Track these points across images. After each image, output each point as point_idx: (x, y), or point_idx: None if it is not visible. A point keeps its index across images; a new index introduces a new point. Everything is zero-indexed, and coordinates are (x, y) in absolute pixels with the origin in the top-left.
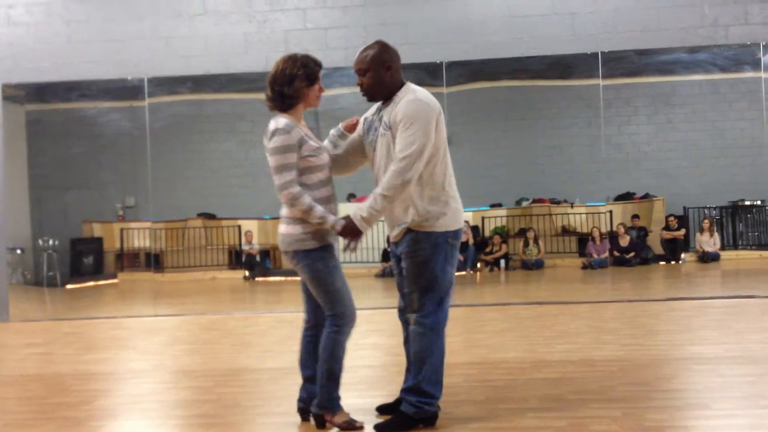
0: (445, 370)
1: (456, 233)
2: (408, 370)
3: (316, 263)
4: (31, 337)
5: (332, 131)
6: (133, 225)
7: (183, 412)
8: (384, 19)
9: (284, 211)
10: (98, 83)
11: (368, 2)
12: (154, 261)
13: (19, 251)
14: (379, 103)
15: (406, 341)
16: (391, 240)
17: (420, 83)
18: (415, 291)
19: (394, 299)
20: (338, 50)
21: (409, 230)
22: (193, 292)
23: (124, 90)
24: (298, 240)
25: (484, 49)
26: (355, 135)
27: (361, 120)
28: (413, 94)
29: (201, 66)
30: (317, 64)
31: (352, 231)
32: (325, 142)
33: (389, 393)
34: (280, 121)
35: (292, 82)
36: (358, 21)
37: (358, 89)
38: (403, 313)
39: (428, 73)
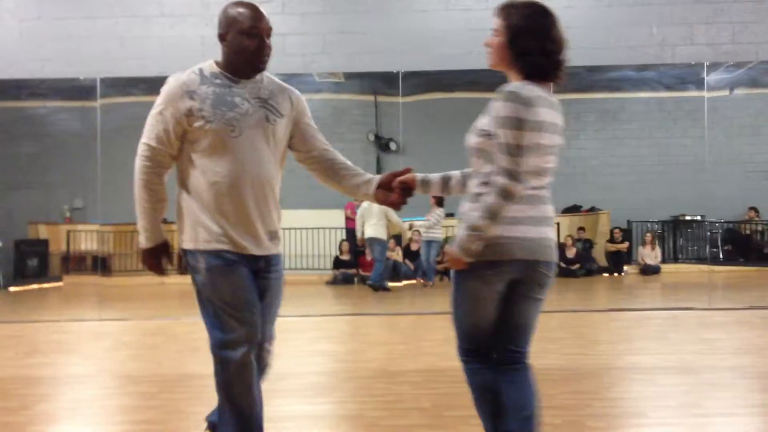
0: (390, 379)
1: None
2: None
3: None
4: None
5: None
6: (80, 227)
7: (126, 418)
8: (342, 28)
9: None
10: (49, 82)
11: (327, 10)
12: (101, 264)
13: None
14: (212, 74)
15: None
16: (261, 253)
17: (376, 92)
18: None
19: (344, 305)
20: (296, 57)
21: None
22: (140, 297)
23: (76, 90)
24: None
25: (440, 60)
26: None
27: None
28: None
29: (156, 68)
30: None
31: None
32: None
33: (336, 399)
34: None
35: None
36: (317, 28)
37: (319, 95)
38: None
39: (385, 82)
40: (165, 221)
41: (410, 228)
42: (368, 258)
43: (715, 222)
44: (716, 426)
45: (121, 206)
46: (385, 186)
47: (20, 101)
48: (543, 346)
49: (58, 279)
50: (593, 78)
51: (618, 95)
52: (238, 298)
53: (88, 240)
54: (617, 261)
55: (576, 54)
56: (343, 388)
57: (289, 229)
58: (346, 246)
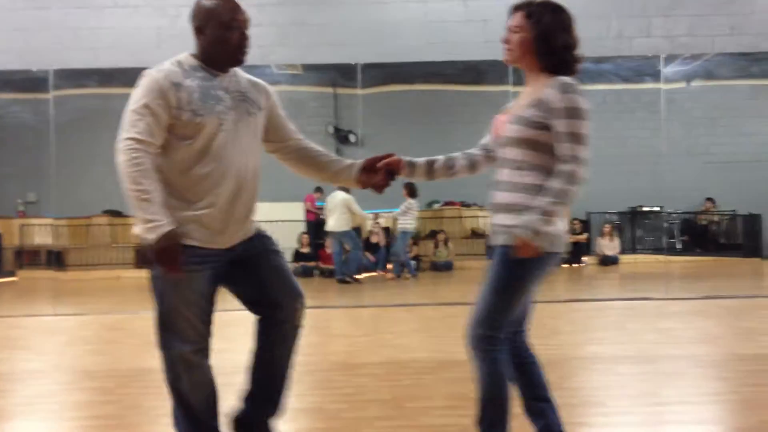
0: (350, 371)
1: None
2: None
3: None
4: None
5: None
6: (34, 221)
7: (81, 413)
8: (300, 19)
9: None
10: (0, 74)
11: (285, 1)
12: (56, 259)
13: None
14: (191, 66)
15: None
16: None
17: (335, 84)
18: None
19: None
20: (252, 48)
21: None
22: (96, 291)
23: (28, 81)
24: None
25: (399, 52)
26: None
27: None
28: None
29: (110, 59)
30: None
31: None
32: None
33: (295, 393)
34: None
35: None
36: (274, 19)
37: (277, 87)
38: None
39: (343, 75)
40: (120, 214)
41: (376, 218)
42: (328, 251)
43: (673, 213)
44: (673, 414)
45: (75, 199)
46: (368, 169)
47: None
48: None
49: (12, 274)
50: None
51: None
52: (194, 302)
53: (42, 234)
54: (576, 252)
55: None
56: (302, 381)
57: None
58: (306, 239)
